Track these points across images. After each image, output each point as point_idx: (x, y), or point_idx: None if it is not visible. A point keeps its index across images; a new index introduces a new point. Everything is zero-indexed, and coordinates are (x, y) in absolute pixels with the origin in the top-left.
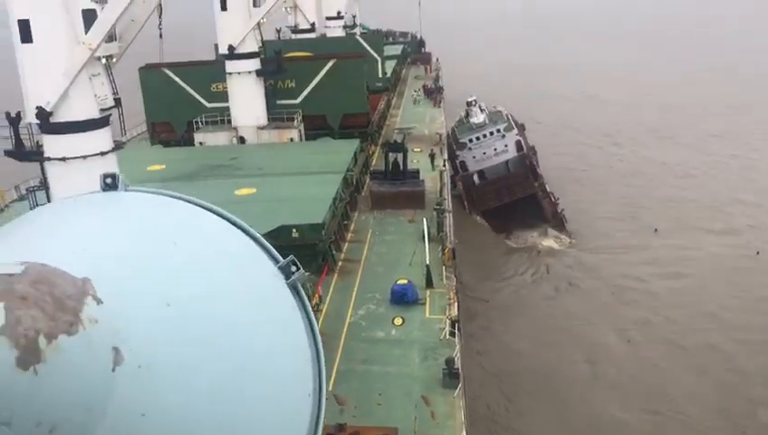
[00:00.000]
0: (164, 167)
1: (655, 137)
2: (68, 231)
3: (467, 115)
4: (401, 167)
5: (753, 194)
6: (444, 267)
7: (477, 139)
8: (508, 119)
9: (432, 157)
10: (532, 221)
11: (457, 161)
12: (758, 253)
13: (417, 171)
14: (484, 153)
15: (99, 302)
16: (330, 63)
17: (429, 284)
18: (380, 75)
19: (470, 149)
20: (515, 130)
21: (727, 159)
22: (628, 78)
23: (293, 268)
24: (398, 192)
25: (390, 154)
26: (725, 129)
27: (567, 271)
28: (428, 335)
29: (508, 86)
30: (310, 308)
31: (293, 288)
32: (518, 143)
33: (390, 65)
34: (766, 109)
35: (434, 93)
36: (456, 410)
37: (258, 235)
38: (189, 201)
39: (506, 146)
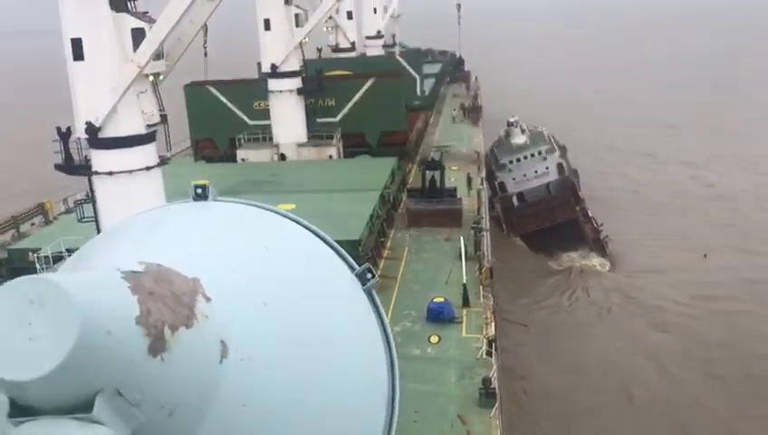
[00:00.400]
0: (207, 182)
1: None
2: (170, 236)
3: (507, 135)
4: (438, 184)
5: None
6: (481, 286)
7: (518, 160)
8: (550, 140)
9: (469, 180)
10: (573, 244)
11: (496, 182)
12: None
13: (455, 189)
14: (525, 175)
15: (208, 299)
16: (369, 82)
17: (466, 302)
18: (419, 93)
19: (510, 170)
20: (557, 153)
21: None
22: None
23: (369, 275)
24: (435, 210)
25: (428, 172)
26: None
27: (607, 295)
28: (465, 354)
29: (550, 105)
30: (384, 313)
31: (369, 294)
32: (560, 166)
33: (429, 84)
34: None
35: (472, 112)
36: (492, 429)
37: (336, 244)
38: (273, 211)
39: (547, 168)
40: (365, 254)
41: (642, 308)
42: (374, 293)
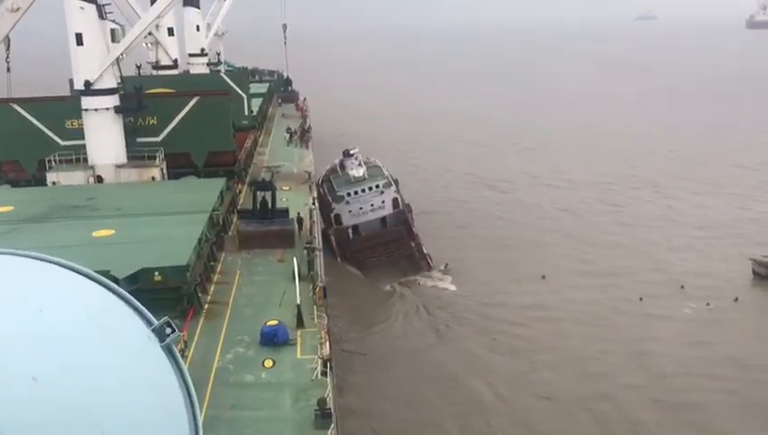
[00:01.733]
0: (12, 208)
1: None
2: None
3: (342, 166)
4: (270, 205)
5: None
6: (315, 307)
7: (356, 193)
8: (386, 174)
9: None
10: (409, 271)
11: (332, 214)
12: (641, 299)
13: (287, 210)
14: (361, 208)
15: None
16: (193, 100)
17: (300, 323)
18: (246, 113)
19: (347, 202)
20: (393, 187)
21: (594, 201)
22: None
23: (168, 330)
24: (266, 231)
25: (258, 192)
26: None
27: (442, 316)
28: (300, 376)
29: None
30: (186, 372)
31: (168, 350)
32: (395, 200)
33: (257, 103)
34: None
35: (302, 135)
36: None
37: (128, 295)
38: (51, 261)
39: (383, 202)
40: (193, 280)
41: (481, 331)
42: (174, 348)
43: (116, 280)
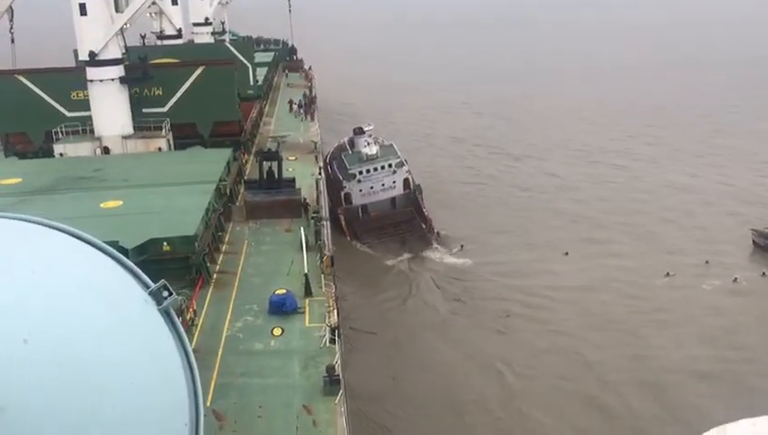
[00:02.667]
0: (20, 180)
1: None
2: None
3: (352, 144)
4: (276, 175)
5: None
6: (322, 275)
7: (368, 171)
8: (399, 154)
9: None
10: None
11: (342, 193)
12: (668, 274)
13: (293, 179)
14: (372, 188)
15: None
16: (198, 70)
17: (308, 292)
18: (252, 83)
19: (359, 181)
20: (406, 167)
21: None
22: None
23: (165, 293)
24: (273, 201)
25: (265, 163)
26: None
27: (459, 294)
28: (308, 344)
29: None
30: (184, 334)
31: (166, 314)
32: (406, 181)
33: (262, 72)
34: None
35: (308, 106)
36: (337, 416)
37: (126, 259)
38: (50, 226)
39: (394, 183)
40: (201, 250)
41: (495, 309)
42: (172, 311)
43: (124, 251)
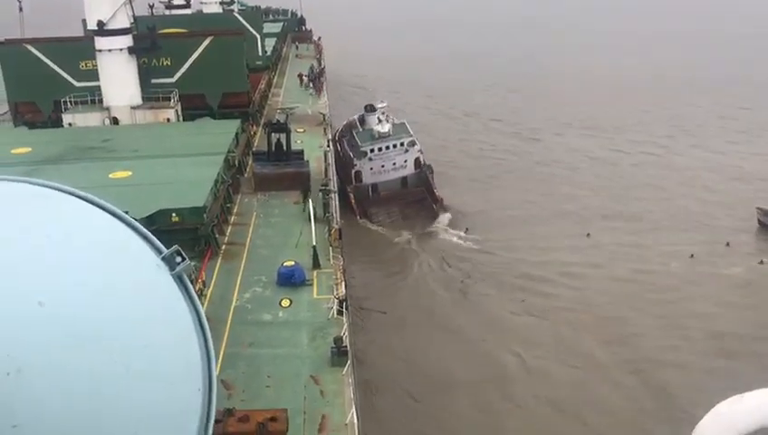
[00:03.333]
0: (30, 150)
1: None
2: None
3: (363, 121)
4: (285, 147)
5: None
6: (330, 248)
7: (380, 149)
8: (411, 132)
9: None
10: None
11: (353, 171)
12: (692, 256)
13: (302, 151)
14: (383, 166)
15: None
16: (207, 40)
17: (316, 264)
18: (260, 53)
19: (370, 159)
20: (418, 146)
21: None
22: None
23: (178, 259)
24: (282, 173)
25: (273, 134)
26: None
27: (470, 272)
28: (316, 315)
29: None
30: (197, 300)
31: (179, 279)
32: (417, 160)
33: (270, 43)
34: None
35: (317, 80)
36: (344, 386)
37: (139, 224)
38: (63, 190)
39: (405, 162)
40: (210, 221)
41: (509, 291)
42: (185, 277)
43: None
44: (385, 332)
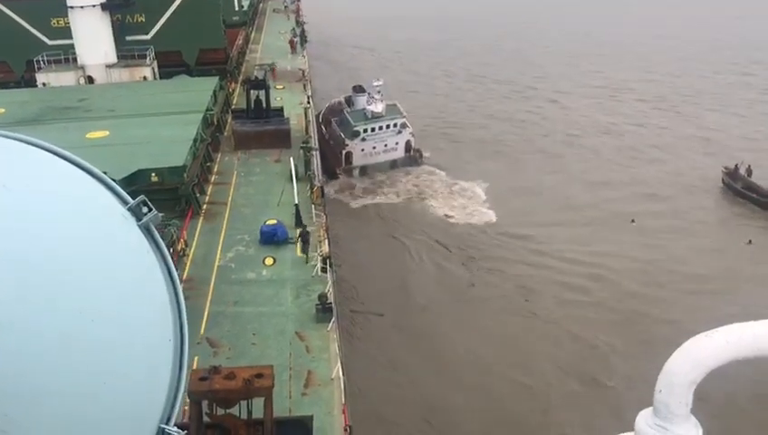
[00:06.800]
0: (3, 111)
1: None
2: None
3: (350, 102)
4: (264, 105)
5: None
6: (313, 206)
7: (372, 130)
8: (404, 113)
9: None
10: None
11: (344, 151)
12: (633, 220)
13: (282, 109)
14: (374, 148)
15: None
16: None
17: (299, 223)
18: (237, 8)
19: (363, 139)
20: (410, 128)
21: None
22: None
23: (145, 209)
24: (262, 131)
25: (252, 91)
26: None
27: (475, 266)
28: (300, 273)
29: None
30: (166, 250)
31: (146, 229)
32: (407, 143)
33: None
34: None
35: (301, 40)
36: (330, 342)
37: (102, 174)
38: (17, 139)
39: (397, 144)
40: (190, 180)
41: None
42: (152, 228)
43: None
44: (373, 339)
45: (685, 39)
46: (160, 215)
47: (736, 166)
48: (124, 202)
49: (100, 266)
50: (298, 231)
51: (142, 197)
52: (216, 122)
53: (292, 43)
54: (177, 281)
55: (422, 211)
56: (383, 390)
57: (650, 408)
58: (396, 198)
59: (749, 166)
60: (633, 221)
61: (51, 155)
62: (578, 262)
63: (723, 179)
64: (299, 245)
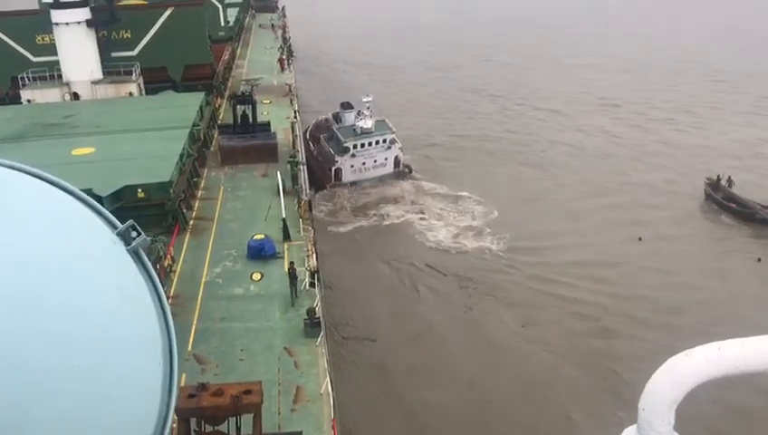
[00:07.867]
0: None
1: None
2: None
3: (338, 119)
4: (251, 119)
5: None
6: (300, 220)
7: (362, 145)
8: (393, 129)
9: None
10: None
11: (333, 168)
12: (640, 238)
13: (268, 123)
14: (364, 163)
15: None
16: (168, 11)
17: (287, 237)
18: (223, 24)
19: (353, 155)
20: (399, 144)
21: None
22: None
23: (134, 233)
24: (249, 146)
25: (239, 106)
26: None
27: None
28: (288, 288)
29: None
30: (155, 274)
31: (135, 254)
32: (396, 159)
33: (233, 13)
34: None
35: (289, 57)
36: (318, 357)
37: (91, 199)
38: (7, 166)
39: (386, 159)
40: (177, 196)
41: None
42: (141, 252)
43: (99, 198)
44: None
45: (681, 48)
46: (148, 238)
47: (718, 177)
48: (113, 226)
49: (89, 293)
50: (286, 245)
51: (131, 221)
52: (202, 138)
53: (281, 61)
54: (167, 305)
55: (412, 231)
56: (373, 413)
57: (635, 425)
58: (385, 219)
59: (729, 177)
60: (640, 239)
61: (35, 179)
62: (578, 287)
63: (705, 190)
64: (288, 279)
